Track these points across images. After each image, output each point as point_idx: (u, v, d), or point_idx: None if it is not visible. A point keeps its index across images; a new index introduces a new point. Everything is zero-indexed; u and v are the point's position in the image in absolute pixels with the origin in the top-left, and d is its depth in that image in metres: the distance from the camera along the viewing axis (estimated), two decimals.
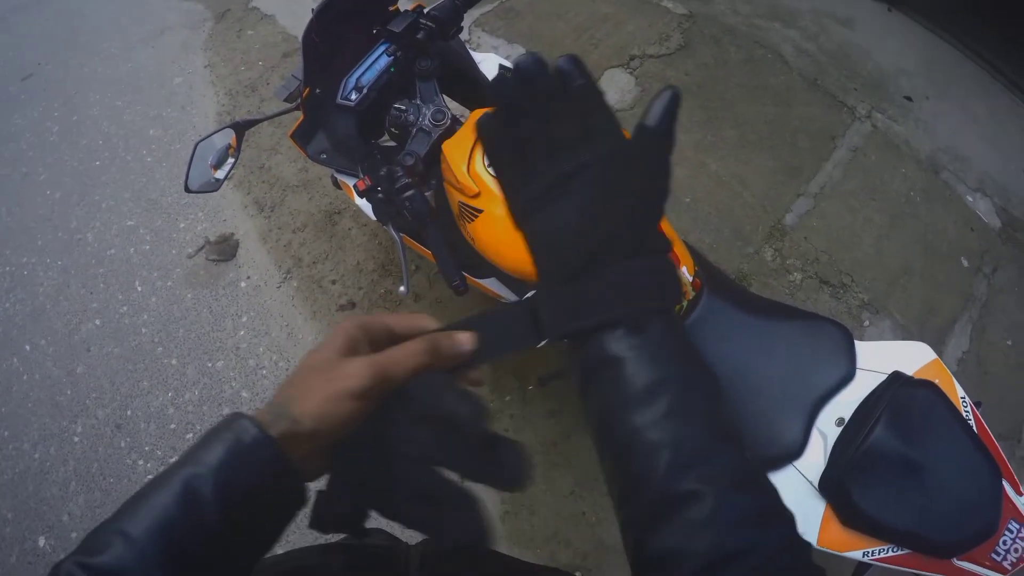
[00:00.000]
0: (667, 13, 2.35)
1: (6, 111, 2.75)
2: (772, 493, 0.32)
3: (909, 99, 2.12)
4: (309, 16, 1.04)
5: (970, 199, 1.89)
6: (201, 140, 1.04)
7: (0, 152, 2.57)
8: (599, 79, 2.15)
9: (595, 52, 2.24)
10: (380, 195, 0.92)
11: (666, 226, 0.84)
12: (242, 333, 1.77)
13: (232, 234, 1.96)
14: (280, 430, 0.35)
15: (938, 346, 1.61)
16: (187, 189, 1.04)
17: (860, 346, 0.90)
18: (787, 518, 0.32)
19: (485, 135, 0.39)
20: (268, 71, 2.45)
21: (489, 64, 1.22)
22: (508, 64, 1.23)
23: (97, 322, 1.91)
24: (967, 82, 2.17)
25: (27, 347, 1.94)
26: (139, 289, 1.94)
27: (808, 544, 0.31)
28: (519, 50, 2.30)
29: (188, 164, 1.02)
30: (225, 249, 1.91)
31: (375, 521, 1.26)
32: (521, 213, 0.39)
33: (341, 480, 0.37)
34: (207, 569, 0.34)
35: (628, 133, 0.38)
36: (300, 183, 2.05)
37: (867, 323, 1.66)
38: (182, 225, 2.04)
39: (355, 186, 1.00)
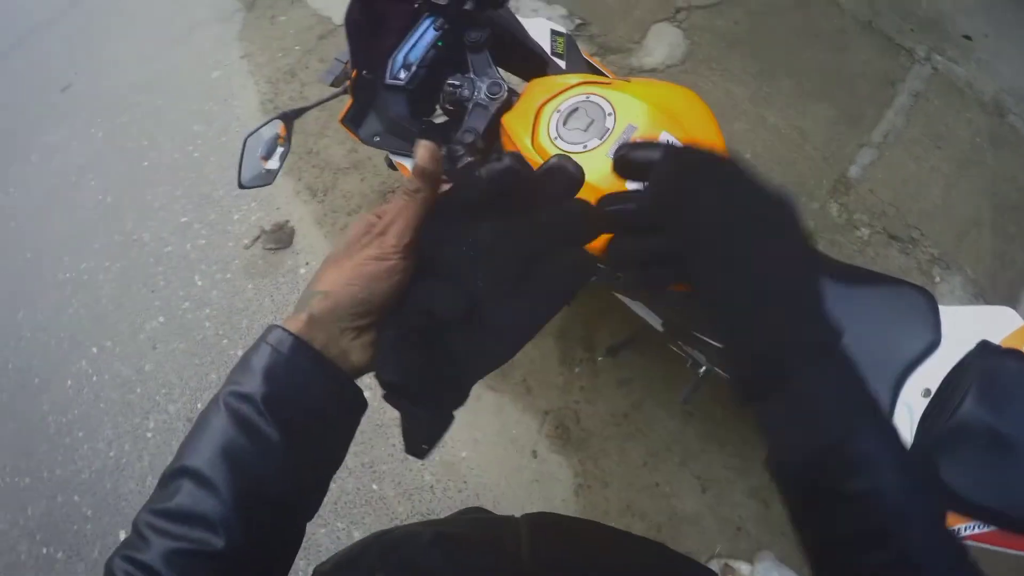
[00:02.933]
0: None
1: (50, 123, 2.81)
2: None
3: (968, 38, 2.01)
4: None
5: None
6: (250, 134, 1.02)
7: (48, 163, 2.64)
8: (645, 35, 2.09)
9: (638, 7, 2.17)
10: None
11: None
12: None
13: (287, 221, 1.98)
14: (314, 323, 0.33)
15: (1011, 302, 1.55)
16: (241, 185, 1.02)
17: (944, 311, 0.87)
18: None
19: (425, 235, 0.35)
20: (306, 55, 2.43)
21: (539, 28, 1.17)
22: (560, 29, 1.19)
23: (161, 319, 1.96)
24: None
25: (94, 350, 2.00)
26: (199, 284, 1.97)
27: None
28: (559, 11, 2.23)
29: (239, 160, 1.00)
30: (281, 237, 1.93)
31: (475, 500, 1.25)
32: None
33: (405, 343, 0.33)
34: (275, 494, 0.32)
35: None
36: (350, 165, 2.04)
37: (938, 279, 1.60)
38: (236, 217, 2.06)
39: (413, 168, 0.97)
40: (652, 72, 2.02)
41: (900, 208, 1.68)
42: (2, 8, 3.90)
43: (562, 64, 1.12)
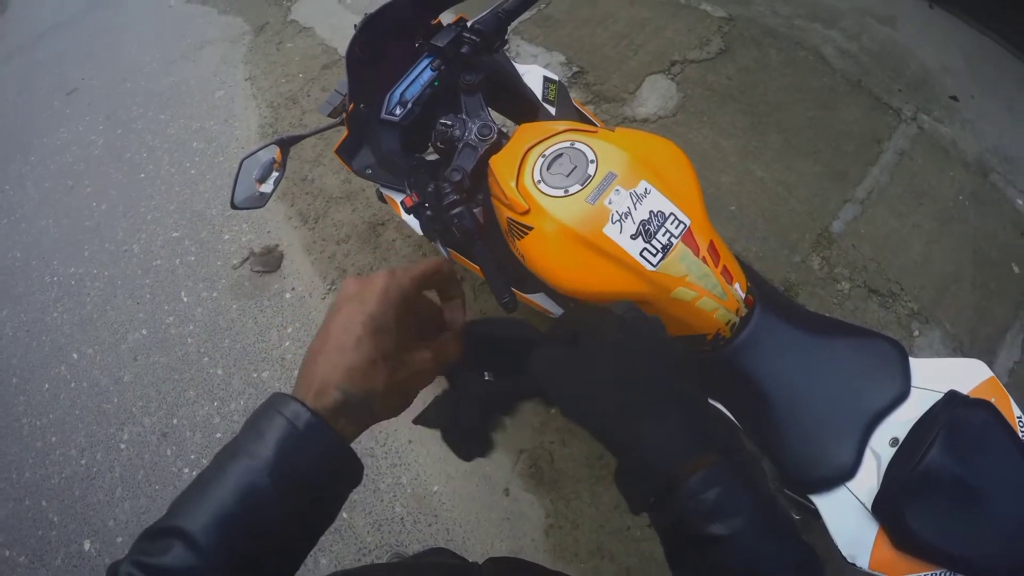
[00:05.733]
0: (706, 16, 2.33)
1: (52, 125, 2.84)
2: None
3: (955, 99, 2.06)
4: (348, 29, 1.04)
5: (1020, 202, 1.83)
6: (246, 157, 1.04)
7: (47, 165, 2.66)
8: (640, 86, 2.14)
9: (634, 58, 2.23)
10: (428, 212, 0.92)
11: (716, 239, 0.82)
12: (287, 344, 1.79)
13: (276, 245, 1.99)
14: (337, 411, 0.35)
15: (989, 356, 1.57)
16: (233, 206, 1.03)
17: (915, 363, 0.88)
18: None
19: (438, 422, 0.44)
20: (308, 83, 2.47)
21: (533, 76, 1.20)
22: (552, 76, 1.22)
23: (144, 332, 1.96)
24: (1013, 80, 2.11)
25: (75, 355, 1.99)
26: (185, 300, 1.98)
27: None
28: (558, 58, 2.29)
29: (234, 181, 1.02)
30: (270, 260, 1.94)
31: (441, 541, 1.25)
32: None
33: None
34: (265, 560, 0.33)
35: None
36: (343, 195, 2.06)
37: (917, 333, 1.62)
38: (227, 236, 2.07)
39: (402, 202, 0.99)
40: (644, 122, 2.06)
41: (881, 263, 1.70)
42: (21, 7, 3.97)
43: (552, 110, 1.15)
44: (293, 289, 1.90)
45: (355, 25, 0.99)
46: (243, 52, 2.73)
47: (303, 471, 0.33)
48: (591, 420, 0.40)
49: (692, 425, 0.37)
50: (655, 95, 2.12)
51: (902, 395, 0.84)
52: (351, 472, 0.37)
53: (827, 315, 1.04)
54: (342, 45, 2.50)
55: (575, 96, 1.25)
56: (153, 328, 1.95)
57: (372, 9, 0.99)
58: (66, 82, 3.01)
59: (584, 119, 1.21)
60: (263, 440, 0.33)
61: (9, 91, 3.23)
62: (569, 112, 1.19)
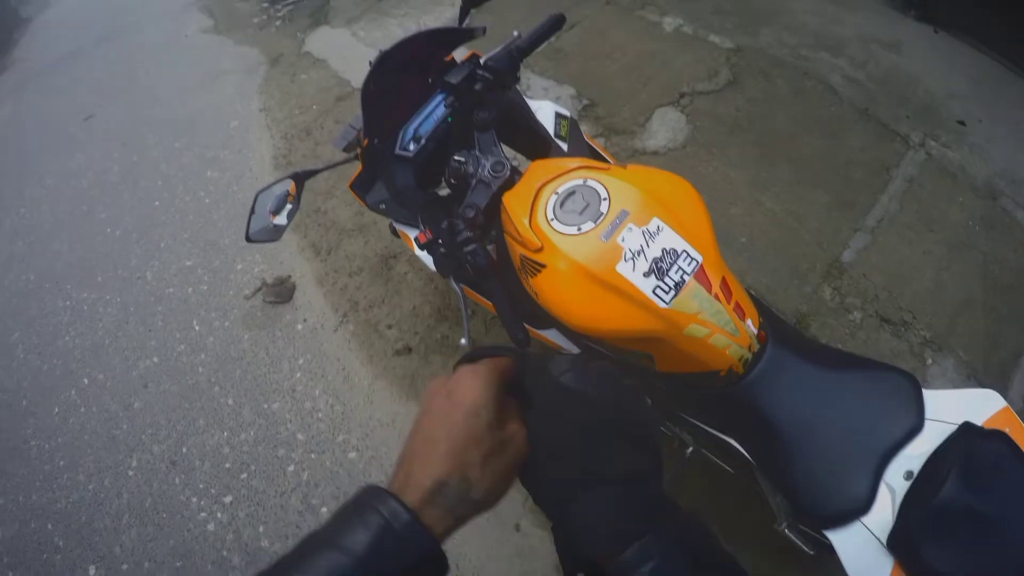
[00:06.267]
0: (715, 48, 2.37)
1: (68, 150, 2.89)
2: None
3: (962, 123, 2.06)
4: (361, 61, 1.05)
5: None
6: (261, 191, 1.04)
7: (62, 189, 2.71)
8: (649, 118, 2.17)
9: (644, 91, 2.26)
10: (442, 248, 0.92)
11: (728, 274, 0.82)
12: (298, 375, 1.79)
13: (289, 277, 2.00)
14: (433, 502, 0.35)
15: (1003, 382, 1.55)
16: (248, 239, 1.03)
17: (928, 395, 0.87)
18: None
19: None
20: (322, 115, 2.51)
21: (545, 112, 1.21)
22: (564, 112, 1.23)
23: (155, 359, 1.97)
24: (1020, 102, 2.12)
25: (85, 380, 2.00)
26: (197, 328, 1.99)
27: None
28: (568, 91, 2.32)
29: (249, 214, 1.02)
30: (282, 291, 1.95)
31: (455, 571, 1.22)
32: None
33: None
34: None
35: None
36: (356, 227, 2.08)
37: (930, 361, 1.60)
38: (240, 267, 2.09)
39: (416, 239, 1.00)
40: (654, 155, 2.08)
41: (892, 291, 1.69)
42: (43, 30, 4.07)
43: (564, 147, 1.16)
44: (305, 320, 1.90)
45: (370, 61, 1.01)
46: (258, 83, 2.79)
47: (391, 566, 0.33)
48: (525, 483, 0.40)
49: (627, 505, 0.36)
50: (665, 127, 2.14)
51: (916, 428, 0.84)
52: (439, 567, 0.36)
53: (839, 348, 1.04)
54: (355, 77, 2.58)
55: (585, 130, 1.26)
56: (164, 356, 1.96)
57: (386, 45, 1.00)
58: (83, 108, 3.08)
59: (596, 155, 1.22)
60: (356, 535, 0.33)
61: (26, 115, 3.30)
62: (581, 148, 1.19)
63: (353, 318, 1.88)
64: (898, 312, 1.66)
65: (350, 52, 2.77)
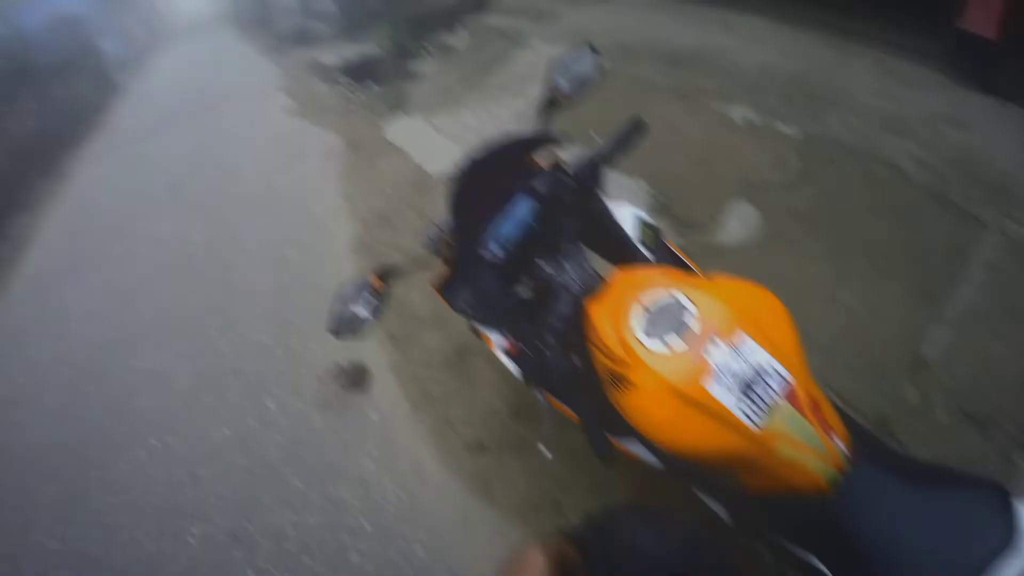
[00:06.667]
0: (782, 137, 2.36)
1: (154, 216, 3.12)
2: None
3: None
4: (439, 152, 1.11)
5: None
6: (347, 286, 1.06)
7: (146, 255, 2.90)
8: (721, 211, 2.14)
9: (715, 184, 2.26)
10: (529, 358, 0.95)
11: (817, 392, 0.82)
12: (369, 464, 1.83)
13: (364, 363, 2.08)
14: None
15: None
16: (333, 333, 1.06)
17: (1022, 508, 0.85)
18: None
19: None
20: (401, 203, 2.61)
21: (623, 213, 1.22)
22: (647, 218, 1.23)
23: (226, 431, 2.04)
24: None
25: (154, 442, 2.07)
26: (270, 406, 2.07)
27: None
28: (641, 185, 2.33)
29: (334, 308, 1.05)
30: (357, 378, 2.02)
31: None
32: None
33: None
34: None
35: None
36: (433, 319, 2.14)
37: (1020, 463, 1.49)
38: (316, 349, 2.17)
39: (505, 350, 1.03)
40: (729, 251, 2.06)
41: (977, 387, 1.61)
42: (135, 99, 4.44)
43: (649, 255, 1.16)
44: (378, 408, 1.96)
45: (457, 166, 1.03)
46: (339, 168, 2.94)
47: None
48: None
49: None
50: (738, 221, 2.13)
51: (1009, 544, 0.81)
52: None
53: (927, 460, 1.03)
54: (433, 167, 2.68)
55: (660, 225, 1.29)
56: (235, 429, 2.03)
57: (473, 149, 1.02)
58: (171, 177, 3.32)
59: (679, 262, 1.22)
60: None
61: (117, 178, 3.56)
62: (665, 257, 1.18)
63: (427, 410, 1.92)
64: (984, 409, 1.57)
65: (428, 142, 2.89)
